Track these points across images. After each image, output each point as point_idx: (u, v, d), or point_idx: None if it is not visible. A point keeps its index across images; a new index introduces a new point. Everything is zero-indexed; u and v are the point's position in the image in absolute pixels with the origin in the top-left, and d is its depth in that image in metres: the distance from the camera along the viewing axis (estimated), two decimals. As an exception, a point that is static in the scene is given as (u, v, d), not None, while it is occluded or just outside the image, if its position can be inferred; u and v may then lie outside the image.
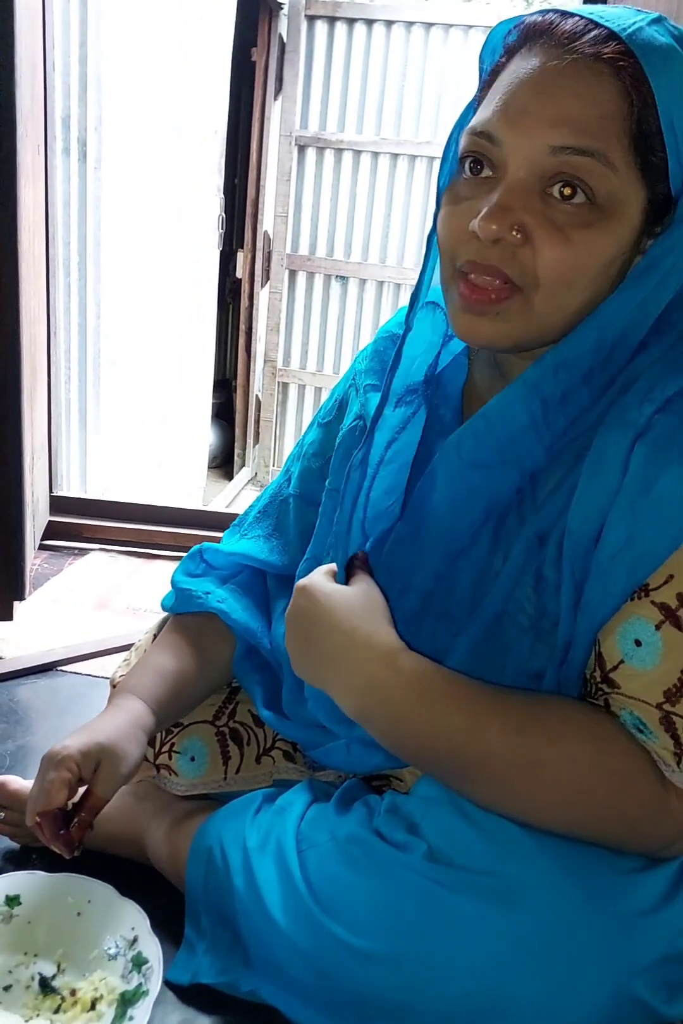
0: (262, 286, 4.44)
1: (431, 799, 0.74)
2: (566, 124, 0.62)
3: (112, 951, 0.80)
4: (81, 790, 0.79)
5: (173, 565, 2.13)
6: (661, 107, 0.62)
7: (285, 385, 4.59)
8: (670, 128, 0.63)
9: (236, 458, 4.81)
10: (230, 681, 0.99)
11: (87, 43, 2.31)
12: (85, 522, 2.25)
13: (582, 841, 0.68)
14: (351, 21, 4.08)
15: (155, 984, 0.75)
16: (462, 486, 0.74)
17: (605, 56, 0.62)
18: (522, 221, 0.64)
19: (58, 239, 2.26)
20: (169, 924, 0.83)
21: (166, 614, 1.01)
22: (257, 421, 4.67)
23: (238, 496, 4.42)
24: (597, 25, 0.63)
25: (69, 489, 2.45)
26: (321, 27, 4.12)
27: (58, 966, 0.80)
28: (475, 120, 0.67)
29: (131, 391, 2.99)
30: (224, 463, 4.96)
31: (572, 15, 0.64)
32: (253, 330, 4.49)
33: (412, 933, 0.68)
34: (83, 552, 2.19)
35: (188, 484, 3.85)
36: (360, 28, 4.09)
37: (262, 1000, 0.76)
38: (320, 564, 0.86)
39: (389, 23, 4.05)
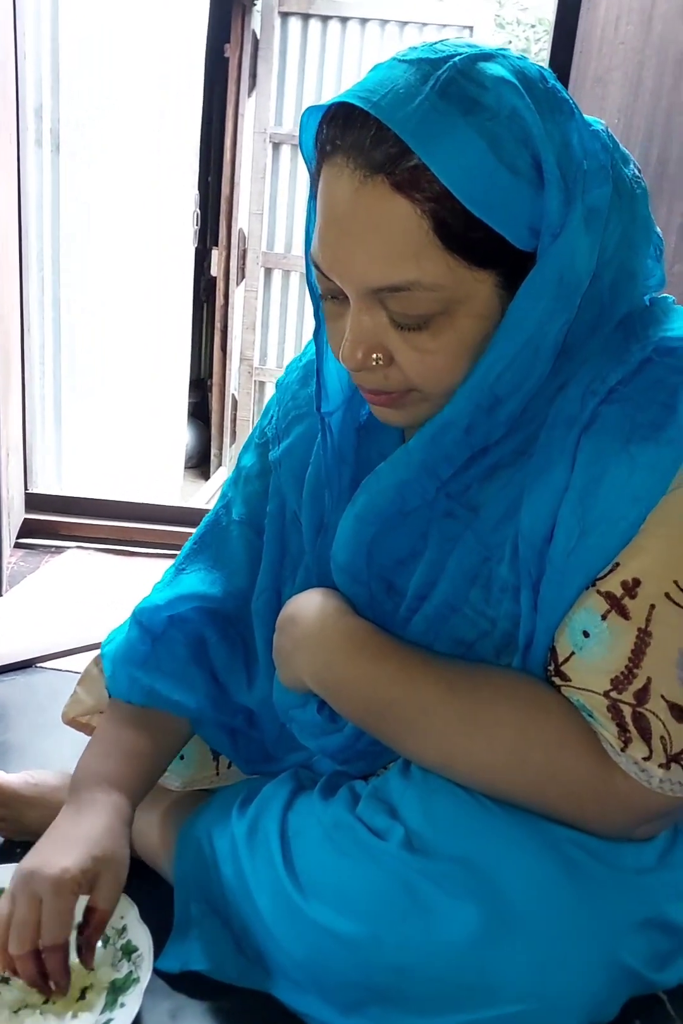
0: (237, 284, 4.42)
1: (409, 777, 0.75)
2: (374, 264, 0.62)
3: (101, 941, 0.78)
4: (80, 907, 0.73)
5: (151, 562, 2.13)
6: (465, 200, 0.59)
7: (262, 384, 4.57)
8: (489, 209, 0.59)
9: (213, 458, 4.78)
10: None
11: (59, 35, 2.27)
12: (61, 520, 2.21)
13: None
14: (325, 18, 4.08)
15: (146, 972, 0.74)
16: (352, 533, 0.76)
17: (392, 174, 0.59)
18: (380, 345, 0.65)
19: (31, 232, 2.22)
20: (158, 914, 0.82)
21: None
22: (234, 420, 4.65)
23: (215, 496, 4.40)
24: (379, 126, 0.59)
25: (44, 487, 2.41)
26: (295, 24, 4.11)
27: None
28: (313, 242, 0.67)
29: (106, 389, 2.95)
30: (200, 463, 4.93)
31: (359, 113, 0.60)
32: (229, 329, 4.47)
33: (393, 918, 0.68)
34: (60, 550, 2.16)
35: (165, 484, 3.82)
36: (334, 25, 4.09)
37: (254, 986, 0.76)
38: (279, 594, 0.87)
39: (363, 20, 4.06)
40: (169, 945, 0.81)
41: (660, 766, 0.63)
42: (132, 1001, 0.73)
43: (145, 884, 0.86)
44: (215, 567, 0.91)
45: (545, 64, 1.73)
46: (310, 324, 4.25)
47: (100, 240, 2.74)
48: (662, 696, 0.63)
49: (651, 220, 0.70)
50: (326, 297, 0.69)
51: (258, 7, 4.06)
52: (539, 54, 7.35)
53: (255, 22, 4.09)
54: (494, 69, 0.60)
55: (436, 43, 0.63)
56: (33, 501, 2.22)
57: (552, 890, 0.66)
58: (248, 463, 0.91)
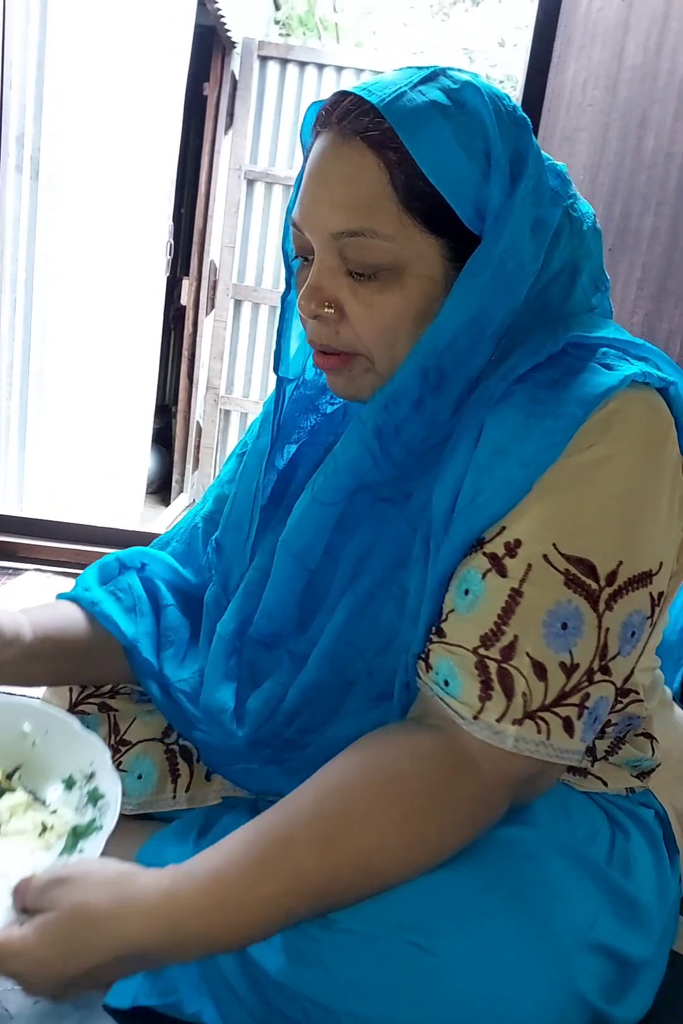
0: (207, 314, 4.46)
1: None
2: (339, 210, 0.70)
3: (67, 782, 0.75)
4: None
5: (111, 587, 2.12)
6: (423, 166, 0.68)
7: (227, 412, 4.59)
8: (443, 180, 0.68)
9: (174, 484, 4.77)
10: None
11: (44, 64, 2.31)
12: (21, 541, 2.20)
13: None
14: (302, 64, 4.19)
15: (110, 820, 0.69)
16: (311, 517, 0.78)
17: (366, 134, 0.69)
18: (334, 297, 0.72)
19: (6, 254, 2.24)
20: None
21: None
22: (197, 447, 4.65)
23: (175, 522, 4.38)
24: (363, 101, 0.69)
25: (4, 508, 2.40)
26: (273, 67, 4.20)
27: (9, 777, 0.76)
28: (294, 207, 0.75)
29: (72, 411, 2.96)
30: (161, 489, 4.92)
31: (349, 95, 0.71)
32: (196, 357, 4.49)
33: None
34: (17, 572, 2.14)
35: (125, 508, 3.81)
36: (311, 71, 4.19)
37: (203, 1022, 0.72)
38: (226, 591, 0.90)
39: (339, 68, 4.18)
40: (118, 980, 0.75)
41: (514, 722, 0.63)
42: (91, 849, 0.67)
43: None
44: (181, 558, 0.98)
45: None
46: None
47: (74, 265, 2.76)
48: (527, 653, 0.64)
49: (601, 259, 0.78)
50: (299, 257, 0.76)
51: (238, 50, 4.14)
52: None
53: (235, 63, 4.17)
54: (467, 77, 0.72)
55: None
56: (-7, 521, 2.21)
57: (495, 918, 0.66)
58: (227, 468, 0.98)
